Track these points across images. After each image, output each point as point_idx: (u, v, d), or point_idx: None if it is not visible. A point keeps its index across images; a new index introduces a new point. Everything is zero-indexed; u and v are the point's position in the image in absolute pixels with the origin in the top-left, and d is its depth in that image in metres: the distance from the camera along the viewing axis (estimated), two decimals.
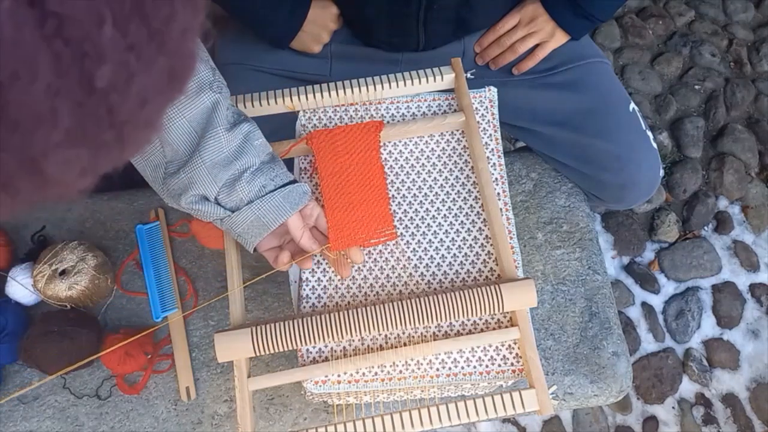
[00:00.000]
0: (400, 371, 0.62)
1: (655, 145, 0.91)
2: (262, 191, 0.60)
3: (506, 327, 0.62)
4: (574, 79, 0.90)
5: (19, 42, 0.17)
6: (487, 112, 0.72)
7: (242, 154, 0.59)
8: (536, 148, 0.96)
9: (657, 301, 1.42)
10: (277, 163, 0.62)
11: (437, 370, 0.62)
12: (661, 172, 0.95)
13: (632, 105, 0.91)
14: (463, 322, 0.63)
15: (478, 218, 0.68)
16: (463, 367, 0.62)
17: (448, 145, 0.71)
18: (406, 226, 0.68)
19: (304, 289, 0.65)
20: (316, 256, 0.67)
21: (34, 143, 0.20)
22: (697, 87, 1.64)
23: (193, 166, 0.58)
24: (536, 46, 0.90)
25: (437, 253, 0.67)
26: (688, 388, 1.35)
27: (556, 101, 0.90)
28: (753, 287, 1.44)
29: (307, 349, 0.63)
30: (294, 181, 0.63)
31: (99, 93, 0.20)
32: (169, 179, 0.60)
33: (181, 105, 0.57)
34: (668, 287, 1.44)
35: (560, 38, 0.90)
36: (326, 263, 0.66)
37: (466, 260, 0.66)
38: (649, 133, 0.91)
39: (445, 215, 0.68)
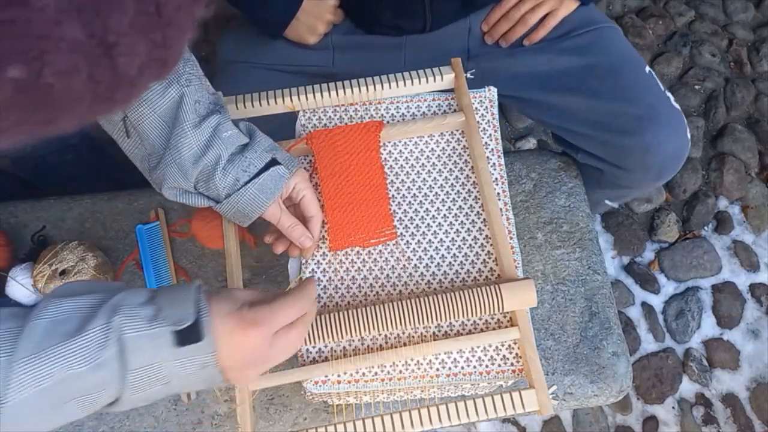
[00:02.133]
0: (400, 371, 0.62)
1: (677, 107, 0.87)
2: (236, 184, 0.60)
3: (506, 327, 0.62)
4: (586, 44, 0.88)
5: None
6: (487, 112, 0.72)
7: (210, 148, 0.59)
8: (552, 122, 0.93)
9: (657, 301, 1.42)
10: (250, 150, 0.61)
11: (437, 370, 0.62)
12: (688, 135, 0.88)
13: (647, 68, 0.88)
14: (463, 322, 0.63)
15: (478, 218, 0.68)
16: (463, 367, 0.62)
17: (448, 145, 0.71)
18: (406, 226, 0.68)
19: None
20: (315, 256, 0.67)
21: (110, 27, 0.24)
22: (697, 87, 1.64)
23: (165, 163, 0.59)
24: (546, 15, 0.88)
25: (437, 253, 0.67)
26: (688, 388, 1.35)
27: (569, 65, 0.88)
28: (753, 287, 1.44)
29: (307, 349, 0.63)
30: (273, 162, 0.62)
31: None
32: (152, 172, 0.61)
33: (151, 100, 0.57)
34: (668, 287, 1.44)
35: (570, 5, 0.88)
36: (326, 264, 0.66)
37: (466, 260, 0.66)
38: (669, 95, 0.87)
39: (445, 215, 0.68)
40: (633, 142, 0.86)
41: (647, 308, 1.41)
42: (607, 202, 0.92)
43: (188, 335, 0.44)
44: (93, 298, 0.45)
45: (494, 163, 0.70)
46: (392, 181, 0.70)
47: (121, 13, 0.24)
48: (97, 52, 0.24)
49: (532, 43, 0.90)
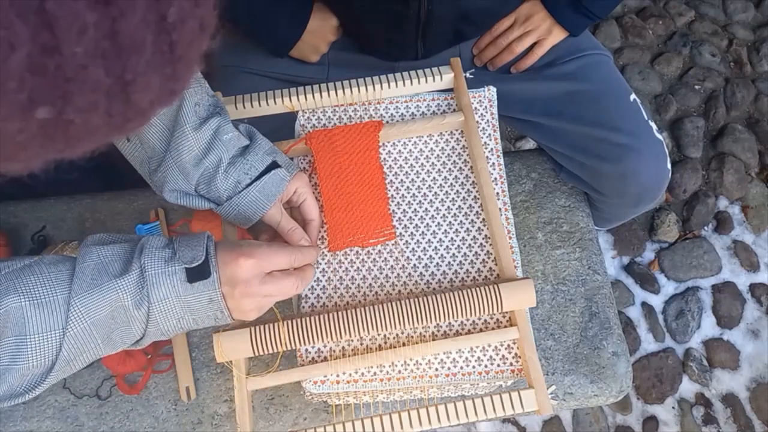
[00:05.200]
0: (399, 371, 0.62)
1: (659, 137, 0.88)
2: (237, 187, 0.60)
3: (505, 327, 0.62)
4: (572, 71, 0.89)
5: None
6: (487, 112, 0.72)
7: (211, 151, 0.59)
8: (540, 140, 0.94)
9: (657, 301, 1.42)
10: (251, 153, 0.62)
11: (436, 370, 0.62)
12: (668, 165, 0.89)
13: (633, 96, 0.89)
14: (462, 322, 0.63)
15: (478, 218, 0.68)
16: (462, 367, 0.62)
17: (448, 145, 0.71)
18: (406, 226, 0.68)
19: (304, 289, 0.65)
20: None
21: (129, 67, 0.25)
22: (697, 87, 1.64)
23: (166, 166, 0.59)
24: (534, 44, 0.90)
25: (436, 253, 0.67)
26: (688, 388, 1.35)
27: (553, 92, 0.89)
28: (753, 287, 1.44)
29: (306, 349, 0.63)
30: (274, 165, 0.62)
31: (167, 28, 0.26)
32: (152, 175, 0.61)
33: None
34: (668, 287, 1.44)
35: (558, 35, 0.89)
36: (326, 264, 0.67)
37: (466, 260, 0.66)
38: (652, 124, 0.88)
39: (444, 215, 0.68)
40: (611, 169, 0.86)
41: (647, 308, 1.41)
42: (594, 227, 0.91)
43: (198, 273, 0.50)
44: (128, 245, 0.51)
45: (493, 163, 0.70)
46: (391, 181, 0.70)
47: (140, 55, 0.26)
48: (115, 90, 0.26)
49: (519, 71, 0.91)
